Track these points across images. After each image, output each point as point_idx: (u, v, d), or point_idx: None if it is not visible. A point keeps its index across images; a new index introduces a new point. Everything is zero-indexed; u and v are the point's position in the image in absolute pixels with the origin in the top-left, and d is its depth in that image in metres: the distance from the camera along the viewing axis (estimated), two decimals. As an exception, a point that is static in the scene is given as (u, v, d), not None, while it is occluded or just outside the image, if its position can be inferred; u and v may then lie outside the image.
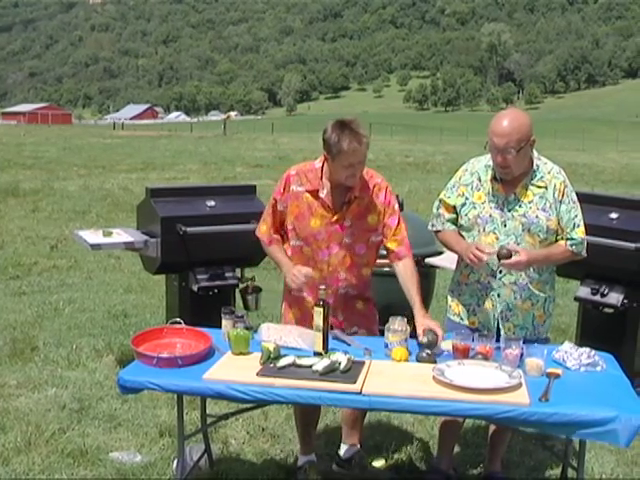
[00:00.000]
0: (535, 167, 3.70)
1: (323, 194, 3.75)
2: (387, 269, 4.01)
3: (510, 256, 3.52)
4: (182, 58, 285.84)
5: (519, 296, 3.73)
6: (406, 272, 3.81)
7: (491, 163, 3.73)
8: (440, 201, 3.91)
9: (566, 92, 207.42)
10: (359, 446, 4.27)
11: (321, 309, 3.43)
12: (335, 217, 3.77)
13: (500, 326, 3.76)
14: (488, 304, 3.77)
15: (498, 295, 3.74)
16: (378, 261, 4.00)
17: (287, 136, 49.42)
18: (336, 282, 3.84)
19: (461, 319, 3.89)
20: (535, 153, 3.73)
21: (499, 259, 3.55)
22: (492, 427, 4.14)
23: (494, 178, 3.72)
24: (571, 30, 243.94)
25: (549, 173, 3.72)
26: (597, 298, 5.21)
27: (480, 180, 3.77)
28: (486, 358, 3.38)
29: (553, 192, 3.68)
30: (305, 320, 3.83)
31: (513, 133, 3.51)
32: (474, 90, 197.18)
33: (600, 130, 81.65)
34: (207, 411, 4.21)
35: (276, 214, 3.88)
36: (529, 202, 3.67)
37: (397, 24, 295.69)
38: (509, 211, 3.68)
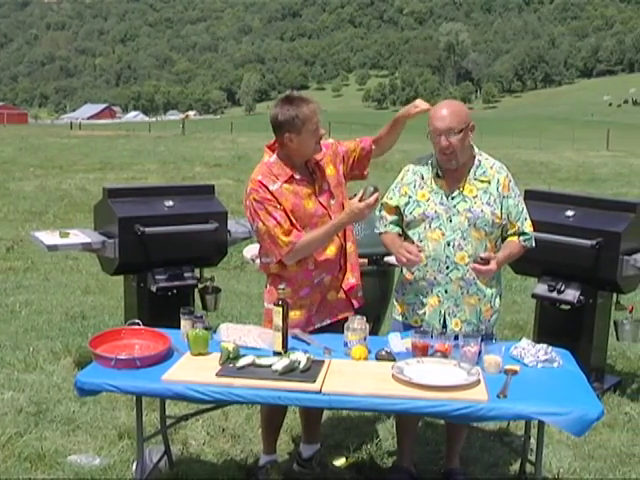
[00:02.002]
0: (477, 162, 3.76)
1: (298, 176, 3.78)
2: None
3: (487, 262, 3.58)
4: (140, 57, 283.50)
5: (466, 291, 3.76)
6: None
7: (432, 161, 3.78)
8: (382, 204, 3.93)
9: (523, 91, 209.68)
10: (319, 445, 4.29)
11: (280, 308, 3.43)
12: (316, 188, 3.82)
13: (447, 322, 3.78)
14: (433, 301, 3.79)
15: (445, 291, 3.76)
16: None
17: (246, 135, 49.15)
18: (342, 241, 3.90)
19: (405, 318, 3.89)
20: (476, 149, 3.79)
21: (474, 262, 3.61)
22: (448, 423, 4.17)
23: (437, 175, 3.76)
24: (528, 30, 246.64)
25: (491, 168, 3.78)
26: (554, 295, 5.28)
27: (423, 178, 3.80)
28: (445, 356, 3.41)
29: (497, 186, 3.74)
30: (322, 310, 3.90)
31: (453, 115, 3.62)
32: (432, 89, 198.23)
33: (557, 129, 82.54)
34: (166, 412, 4.18)
35: (284, 213, 3.73)
36: (473, 197, 3.71)
37: (355, 23, 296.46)
38: (454, 206, 3.71)
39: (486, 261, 3.59)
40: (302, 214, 3.75)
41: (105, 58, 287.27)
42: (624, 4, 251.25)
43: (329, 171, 3.90)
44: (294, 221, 3.73)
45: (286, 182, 3.75)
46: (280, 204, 3.71)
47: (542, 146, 44.98)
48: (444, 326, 3.78)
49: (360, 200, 3.62)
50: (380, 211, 3.94)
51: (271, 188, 3.72)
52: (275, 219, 3.69)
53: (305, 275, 3.81)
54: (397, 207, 3.86)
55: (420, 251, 3.69)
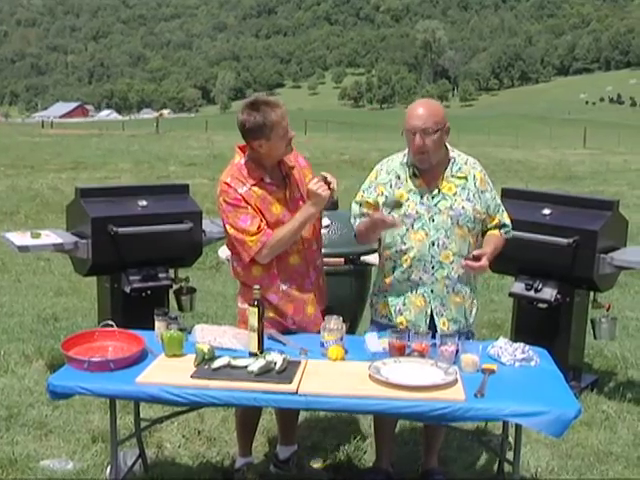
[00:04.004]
0: (452, 159, 3.77)
1: (268, 180, 3.76)
2: (325, 267, 4.05)
3: (479, 259, 3.60)
4: (113, 54, 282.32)
5: (451, 290, 3.77)
6: None
7: (407, 160, 3.78)
8: (360, 204, 3.85)
9: (500, 89, 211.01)
10: (296, 446, 4.29)
11: (255, 309, 3.42)
12: (287, 193, 3.79)
13: (436, 322, 3.78)
14: (419, 301, 3.78)
15: (431, 291, 3.76)
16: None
17: (221, 134, 48.94)
18: (312, 255, 3.89)
19: (388, 320, 3.85)
20: (449, 147, 3.80)
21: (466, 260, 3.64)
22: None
23: (413, 175, 3.75)
24: (504, 28, 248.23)
25: (466, 164, 3.81)
26: (531, 294, 5.31)
27: (399, 178, 3.78)
28: (422, 355, 3.41)
29: (474, 182, 3.77)
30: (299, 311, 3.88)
31: (430, 115, 3.60)
32: (409, 87, 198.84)
33: (533, 127, 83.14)
34: (141, 415, 4.16)
35: (255, 213, 3.71)
36: (453, 194, 3.73)
37: (331, 21, 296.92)
38: (435, 205, 3.71)
39: (478, 258, 3.61)
40: (268, 219, 3.72)
41: (77, 55, 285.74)
42: (600, 2, 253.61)
43: (307, 179, 3.87)
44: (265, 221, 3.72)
45: (255, 185, 3.73)
46: (250, 205, 3.70)
47: (519, 144, 45.28)
48: (431, 327, 3.76)
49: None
50: (360, 209, 3.86)
51: (239, 191, 3.70)
52: (244, 221, 3.68)
53: (271, 280, 3.79)
54: (376, 204, 3.80)
55: (404, 253, 3.72)
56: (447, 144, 3.78)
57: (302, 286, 3.85)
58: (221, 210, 3.77)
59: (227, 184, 3.73)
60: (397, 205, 3.66)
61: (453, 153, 3.80)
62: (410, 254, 3.73)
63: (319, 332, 3.63)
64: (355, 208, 3.87)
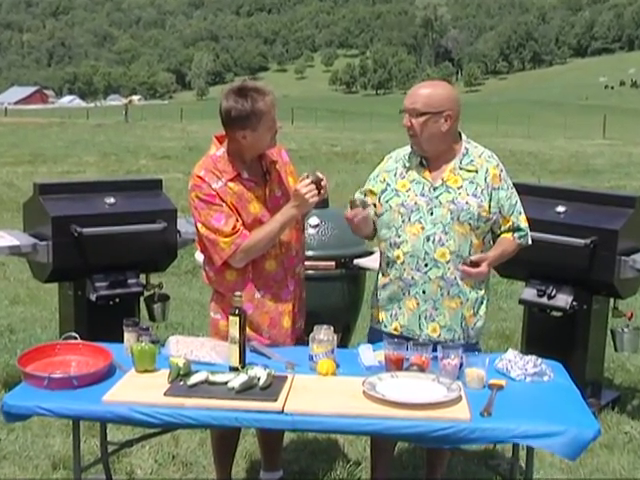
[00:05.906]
0: (464, 150, 3.81)
1: (246, 175, 3.76)
2: (311, 271, 4.06)
3: (478, 265, 3.62)
4: (75, 33, 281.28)
5: (446, 293, 3.77)
6: None
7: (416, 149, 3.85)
8: (364, 193, 3.94)
9: (509, 72, 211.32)
10: (282, 472, 4.29)
11: (237, 318, 3.43)
12: (267, 191, 3.80)
13: (422, 327, 3.79)
14: (411, 304, 3.80)
15: (423, 292, 3.77)
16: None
17: (198, 123, 49.05)
18: (291, 261, 3.90)
19: (384, 326, 3.90)
20: (464, 137, 3.86)
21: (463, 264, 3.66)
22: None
23: (420, 164, 3.82)
24: (514, 3, 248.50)
25: (480, 157, 3.83)
26: (544, 300, 5.32)
27: (405, 167, 3.85)
28: (422, 369, 3.41)
29: (485, 176, 3.78)
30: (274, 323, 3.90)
31: (423, 96, 3.72)
32: (408, 71, 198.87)
33: (547, 114, 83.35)
34: (108, 438, 4.16)
35: (230, 211, 3.72)
36: (458, 188, 3.75)
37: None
38: (436, 198, 3.74)
39: (476, 264, 3.63)
40: (244, 218, 3.73)
41: (34, 34, 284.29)
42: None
43: (291, 180, 3.90)
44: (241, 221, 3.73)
45: (231, 180, 3.73)
46: (225, 202, 3.70)
47: (530, 134, 45.42)
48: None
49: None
50: (364, 196, 3.91)
51: (214, 186, 3.71)
52: (217, 220, 3.69)
53: (245, 286, 3.80)
54: (379, 193, 3.87)
55: (398, 247, 3.76)
56: (462, 134, 3.85)
57: (278, 296, 3.86)
58: (192, 206, 3.78)
59: (200, 178, 3.73)
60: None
61: (468, 144, 3.85)
62: (403, 249, 3.76)
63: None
64: (359, 197, 3.92)
